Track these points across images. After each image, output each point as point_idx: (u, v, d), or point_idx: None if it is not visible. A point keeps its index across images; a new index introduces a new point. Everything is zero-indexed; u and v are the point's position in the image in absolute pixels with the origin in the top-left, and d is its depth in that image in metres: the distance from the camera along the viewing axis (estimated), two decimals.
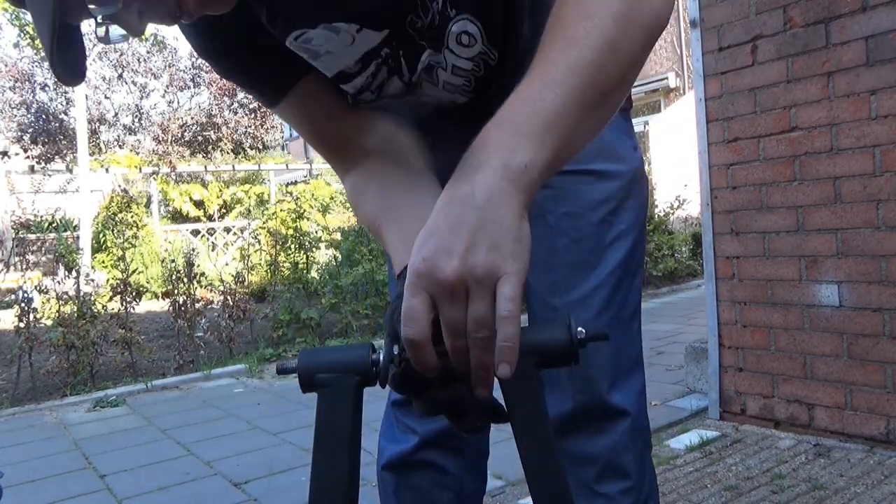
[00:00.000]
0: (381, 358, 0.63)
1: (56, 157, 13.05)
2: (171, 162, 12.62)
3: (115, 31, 0.64)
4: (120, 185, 12.05)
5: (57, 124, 13.19)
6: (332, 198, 10.11)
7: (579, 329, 0.61)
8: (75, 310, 4.30)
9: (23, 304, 4.09)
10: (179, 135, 14.56)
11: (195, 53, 0.83)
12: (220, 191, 13.01)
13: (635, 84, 0.75)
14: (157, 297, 7.12)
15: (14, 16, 9.70)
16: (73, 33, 0.62)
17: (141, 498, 2.51)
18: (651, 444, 1.07)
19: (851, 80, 2.36)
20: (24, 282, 4.51)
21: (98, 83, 14.25)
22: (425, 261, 0.55)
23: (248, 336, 5.30)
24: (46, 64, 13.06)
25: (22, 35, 10.01)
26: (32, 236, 11.78)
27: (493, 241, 0.54)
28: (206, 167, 13.63)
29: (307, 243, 6.67)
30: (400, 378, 0.63)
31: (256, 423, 3.42)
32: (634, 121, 1.12)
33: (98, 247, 9.97)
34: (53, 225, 12.17)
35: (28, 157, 12.98)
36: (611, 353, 0.95)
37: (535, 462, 0.60)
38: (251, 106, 15.29)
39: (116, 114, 14.72)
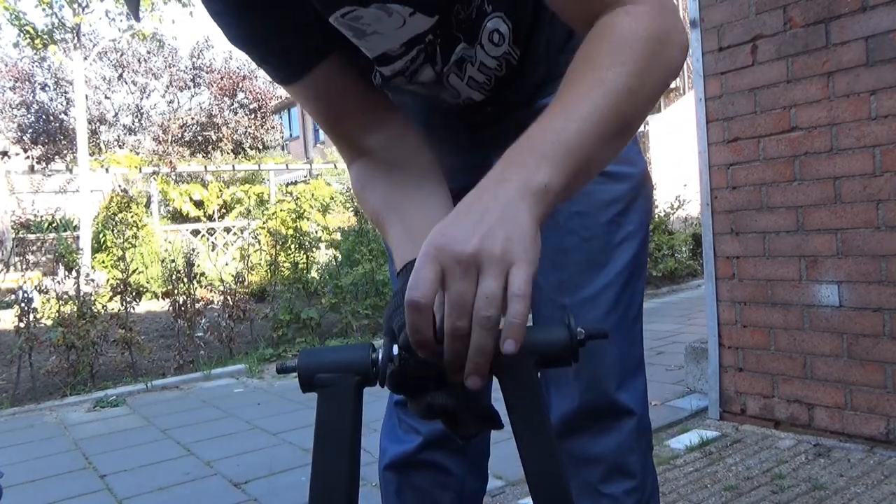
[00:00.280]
0: (380, 357, 0.63)
1: (56, 157, 13.06)
2: (171, 162, 12.63)
3: None
4: (120, 185, 12.04)
5: (57, 124, 13.20)
6: (332, 198, 10.11)
7: (578, 328, 0.62)
8: (75, 310, 4.30)
9: (23, 304, 4.09)
10: (179, 135, 14.58)
11: (209, 16, 0.80)
12: (220, 191, 13.02)
13: None
14: (157, 297, 7.12)
15: (14, 16, 9.67)
16: None
17: (141, 498, 2.51)
18: (652, 444, 1.07)
19: (851, 80, 2.36)
20: (24, 282, 4.51)
21: (98, 83, 14.26)
22: (444, 236, 0.57)
23: (248, 336, 5.30)
24: (47, 64, 13.10)
25: (22, 35, 9.98)
26: (32, 236, 11.79)
27: (510, 234, 0.56)
28: (206, 167, 13.64)
29: (307, 243, 6.67)
30: (397, 377, 0.63)
31: (256, 423, 3.42)
32: None
33: (98, 247, 9.97)
34: (53, 225, 12.18)
35: (28, 157, 12.99)
36: (618, 352, 0.96)
37: (535, 462, 0.60)
38: (251, 106, 15.31)
39: (116, 114, 14.74)
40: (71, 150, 12.36)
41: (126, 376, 4.45)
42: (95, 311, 4.42)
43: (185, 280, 5.01)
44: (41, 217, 12.66)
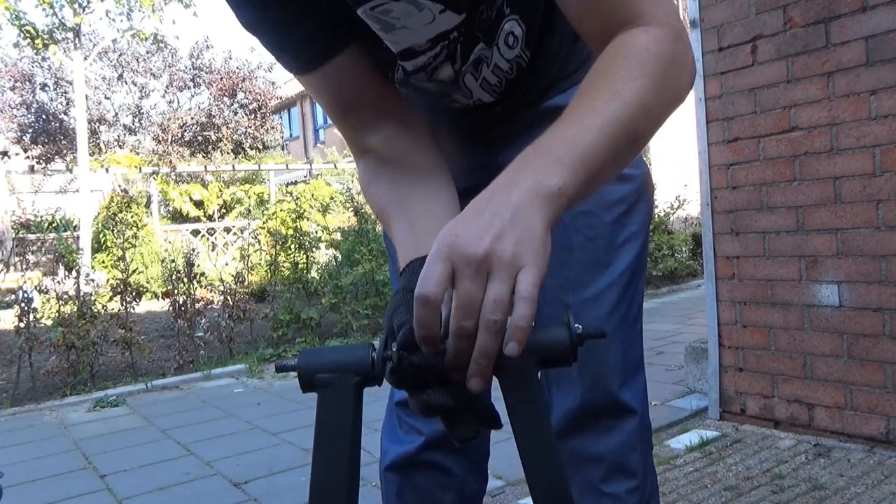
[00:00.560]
0: (377, 354, 0.63)
1: (56, 157, 13.06)
2: (171, 162, 12.62)
3: None
4: (120, 185, 12.05)
5: (57, 124, 13.20)
6: (332, 198, 10.11)
7: (576, 326, 0.62)
8: (75, 310, 4.30)
9: (23, 304, 4.09)
10: (179, 135, 14.58)
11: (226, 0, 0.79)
12: (220, 191, 13.02)
13: None
14: (157, 297, 7.12)
15: (14, 16, 9.67)
16: None
17: (141, 498, 2.51)
18: (652, 443, 1.07)
19: (851, 80, 2.36)
20: (24, 282, 4.51)
21: (98, 83, 14.26)
22: (457, 235, 0.57)
23: (248, 336, 5.30)
24: (47, 64, 13.10)
25: (22, 35, 9.98)
26: (32, 236, 11.79)
27: (521, 237, 0.57)
28: (206, 167, 13.64)
29: (307, 243, 6.67)
30: (396, 374, 0.63)
31: (256, 423, 3.42)
32: None
33: (98, 247, 9.98)
34: (53, 225, 12.18)
35: (28, 157, 12.99)
36: (620, 351, 0.96)
37: (535, 462, 0.60)
38: (251, 106, 15.31)
39: (116, 114, 14.73)
40: (71, 150, 12.36)
41: (126, 376, 4.45)
42: (95, 311, 4.42)
43: (185, 280, 5.01)
44: (41, 217, 12.67)
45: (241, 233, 11.30)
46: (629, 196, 0.97)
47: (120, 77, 14.51)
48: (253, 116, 15.30)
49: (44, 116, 13.28)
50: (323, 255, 7.19)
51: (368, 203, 0.91)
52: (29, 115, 13.32)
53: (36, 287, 4.40)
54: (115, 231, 9.84)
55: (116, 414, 3.77)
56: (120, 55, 14.24)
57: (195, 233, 11.89)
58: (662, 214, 8.24)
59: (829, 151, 2.44)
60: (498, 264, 0.55)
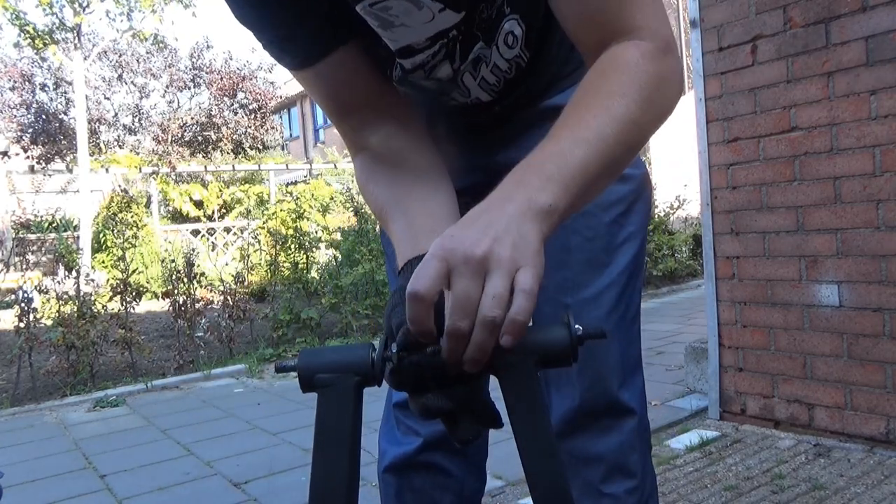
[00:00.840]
0: (376, 354, 0.63)
1: (56, 157, 13.07)
2: (171, 162, 12.62)
3: None
4: (120, 185, 12.04)
5: (57, 124, 13.20)
6: (332, 198, 10.11)
7: (576, 327, 0.62)
8: (75, 310, 4.30)
9: (23, 304, 4.09)
10: (179, 135, 14.58)
11: None
12: (220, 191, 13.01)
13: None
14: (157, 297, 7.12)
15: (14, 16, 9.67)
16: None
17: (141, 498, 2.51)
18: (651, 443, 1.07)
19: (851, 80, 2.36)
20: (24, 282, 4.51)
21: (98, 83, 14.26)
22: (454, 238, 0.58)
23: (248, 336, 5.30)
24: (47, 64, 13.10)
25: (22, 35, 9.98)
26: (32, 236, 11.79)
27: (517, 243, 0.58)
28: (206, 167, 13.63)
29: (307, 243, 6.67)
30: (395, 375, 0.63)
31: (256, 423, 3.42)
32: None
33: (98, 247, 9.98)
34: (53, 225, 12.19)
35: (28, 157, 12.99)
36: (619, 351, 0.97)
37: (535, 462, 0.60)
38: (251, 106, 15.32)
39: (116, 114, 14.74)
40: (71, 150, 12.36)
41: (126, 376, 4.45)
42: (95, 311, 4.42)
43: (185, 280, 5.01)
44: (41, 217, 12.67)
45: (241, 233, 11.30)
46: (627, 196, 0.97)
47: (120, 77, 14.52)
48: (253, 116, 15.31)
49: (44, 116, 13.28)
50: (323, 255, 7.19)
51: (366, 201, 0.91)
52: (29, 115, 13.32)
53: (36, 287, 4.40)
54: (115, 231, 9.84)
55: (116, 414, 3.77)
56: (120, 55, 14.24)
57: (195, 233, 11.89)
58: (662, 214, 8.24)
59: (829, 151, 2.44)
60: (497, 263, 0.56)
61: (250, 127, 15.21)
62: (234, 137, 15.08)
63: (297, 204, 7.28)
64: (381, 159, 0.88)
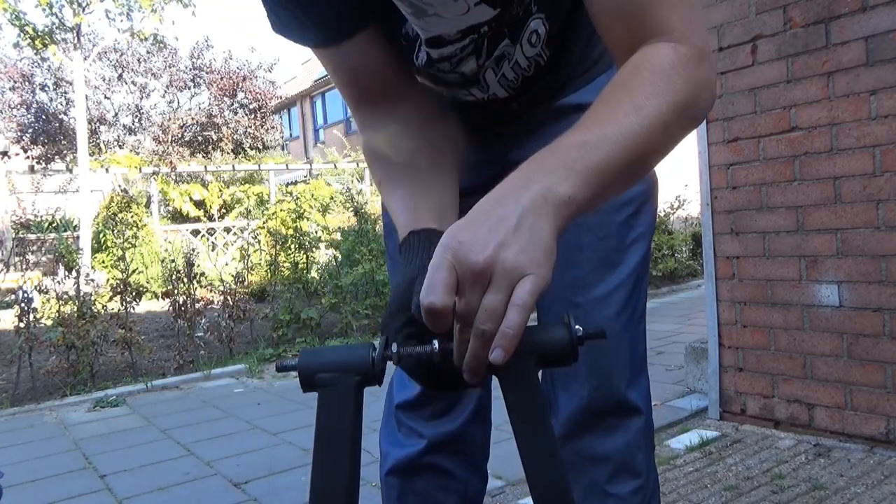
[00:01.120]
0: (376, 354, 0.63)
1: (56, 157, 13.06)
2: (171, 162, 12.62)
3: None
4: (120, 185, 12.04)
5: (57, 124, 13.20)
6: (332, 198, 10.11)
7: (577, 327, 0.62)
8: (75, 310, 4.30)
9: (23, 304, 4.09)
10: (179, 135, 14.58)
11: None
12: (220, 191, 13.01)
13: None
14: (157, 297, 7.12)
15: (14, 16, 9.67)
16: None
17: (141, 498, 2.51)
18: (654, 443, 1.07)
19: (851, 80, 2.36)
20: (24, 282, 4.50)
21: (98, 83, 14.26)
22: (461, 243, 0.57)
23: (248, 336, 5.30)
24: (47, 64, 13.10)
25: (22, 35, 9.98)
26: (32, 236, 11.79)
27: (526, 245, 0.57)
28: (206, 167, 13.63)
29: (307, 243, 6.67)
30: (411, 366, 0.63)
31: (256, 423, 3.42)
32: None
33: (98, 247, 9.97)
34: (53, 225, 12.18)
35: (28, 157, 12.99)
36: (627, 351, 0.97)
37: (534, 462, 0.60)
38: (251, 106, 15.32)
39: (116, 114, 14.74)
40: (71, 150, 12.36)
41: (126, 376, 4.45)
42: (95, 311, 4.42)
43: (185, 280, 5.01)
44: (41, 217, 12.66)
45: (241, 233, 11.29)
46: (638, 197, 0.97)
47: (120, 77, 14.52)
48: (253, 116, 15.31)
49: (44, 116, 13.27)
50: (323, 255, 7.19)
51: (370, 168, 0.91)
52: (29, 116, 13.32)
53: (36, 287, 4.40)
54: (115, 231, 9.84)
55: (116, 414, 3.77)
56: (120, 55, 14.24)
57: (195, 233, 11.89)
58: (662, 214, 8.24)
59: (829, 151, 2.44)
60: (498, 274, 0.56)
61: (250, 127, 15.21)
62: (234, 137, 15.08)
63: (297, 204, 7.29)
64: (389, 141, 0.88)
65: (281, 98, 17.05)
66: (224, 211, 13.02)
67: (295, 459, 2.81)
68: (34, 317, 4.16)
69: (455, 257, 0.56)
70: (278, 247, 6.58)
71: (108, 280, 7.07)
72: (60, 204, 13.13)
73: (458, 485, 1.05)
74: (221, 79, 14.98)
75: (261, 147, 15.74)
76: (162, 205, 12.93)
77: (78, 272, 4.79)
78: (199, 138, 14.97)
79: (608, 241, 0.95)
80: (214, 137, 14.88)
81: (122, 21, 10.84)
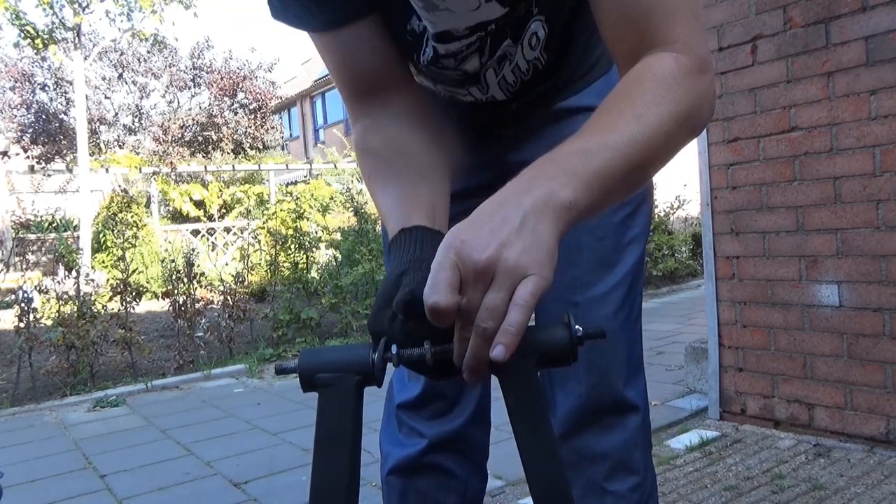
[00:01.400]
0: (376, 354, 0.63)
1: (56, 157, 13.07)
2: (171, 162, 12.62)
3: None
4: (120, 185, 12.05)
5: (57, 124, 13.20)
6: (332, 198, 10.11)
7: (576, 327, 0.62)
8: (75, 310, 4.30)
9: (23, 304, 4.09)
10: (179, 135, 14.58)
11: None
12: (220, 191, 13.01)
13: None
14: (157, 297, 7.12)
15: (14, 16, 9.67)
16: None
17: (141, 498, 2.51)
18: (651, 441, 1.07)
19: (851, 80, 2.36)
20: (24, 282, 4.50)
21: (98, 83, 14.26)
22: (464, 242, 0.57)
23: (248, 336, 5.30)
24: (47, 64, 13.10)
25: (22, 35, 9.98)
26: (32, 236, 11.79)
27: (529, 245, 0.57)
28: (206, 167, 13.63)
29: (307, 243, 6.67)
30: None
31: (256, 423, 3.42)
32: None
33: (98, 247, 9.97)
34: (53, 225, 12.18)
35: (28, 157, 13.00)
36: (625, 350, 0.98)
37: (534, 462, 0.60)
38: (251, 106, 15.32)
39: (116, 114, 14.74)
40: (71, 150, 12.36)
41: (126, 376, 4.45)
42: (95, 311, 4.41)
43: (185, 280, 5.01)
44: (41, 217, 12.66)
45: (241, 233, 11.30)
46: (635, 198, 0.98)
47: (120, 77, 14.52)
48: (253, 116, 15.31)
49: (44, 116, 13.28)
50: (323, 255, 7.19)
51: (360, 167, 0.91)
52: (29, 115, 13.32)
53: (36, 287, 4.40)
54: (115, 231, 9.84)
55: (116, 414, 3.77)
56: (120, 55, 14.24)
57: (195, 233, 11.89)
58: (662, 214, 8.23)
59: (829, 151, 2.44)
60: (500, 272, 0.56)
61: (250, 127, 15.21)
62: (234, 137, 15.08)
63: (297, 204, 7.28)
64: (381, 135, 0.88)
65: (281, 98, 17.04)
66: (224, 211, 13.03)
67: (295, 459, 2.81)
68: (34, 317, 4.16)
69: (458, 256, 0.57)
70: (278, 247, 6.58)
71: (108, 280, 7.07)
72: (60, 204, 13.13)
73: (458, 484, 1.05)
74: (221, 79, 14.98)
75: (261, 147, 15.75)
76: (162, 205, 12.94)
77: (78, 272, 4.78)
78: (199, 138, 14.97)
79: (606, 242, 0.96)
80: (214, 137, 14.88)
81: (122, 21, 10.83)
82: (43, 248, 11.41)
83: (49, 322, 4.28)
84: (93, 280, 5.49)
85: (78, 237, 10.19)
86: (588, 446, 0.97)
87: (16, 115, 13.32)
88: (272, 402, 3.85)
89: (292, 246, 6.60)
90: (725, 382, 2.82)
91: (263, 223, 7.61)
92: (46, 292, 4.38)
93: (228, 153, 14.97)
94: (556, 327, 0.63)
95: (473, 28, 0.82)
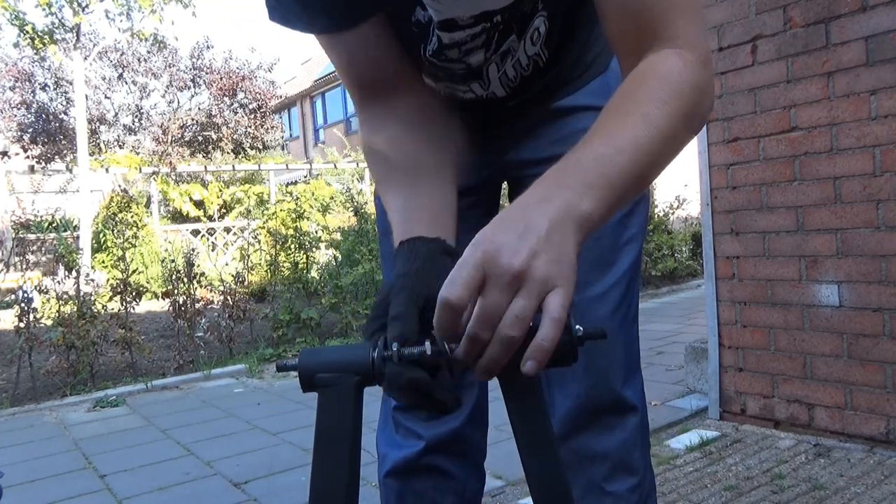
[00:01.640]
0: (376, 354, 0.63)
1: (56, 157, 13.06)
2: (171, 162, 12.62)
3: None
4: (120, 185, 12.05)
5: (57, 124, 13.20)
6: (332, 198, 10.10)
7: (577, 327, 0.62)
8: (75, 310, 4.30)
9: (23, 304, 4.09)
10: (179, 135, 14.57)
11: None
12: (220, 191, 13.01)
13: None
14: (157, 297, 7.12)
15: (14, 16, 9.67)
16: None
17: (141, 498, 2.51)
18: (650, 441, 1.07)
19: (851, 80, 2.36)
20: (24, 282, 4.51)
21: (98, 83, 14.26)
22: (495, 244, 0.57)
23: (248, 336, 5.30)
24: (47, 64, 13.10)
25: (22, 35, 9.98)
26: (32, 236, 11.77)
27: (556, 257, 0.57)
28: (206, 167, 13.63)
29: (307, 243, 6.67)
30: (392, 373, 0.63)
31: (256, 423, 3.42)
32: None
33: (98, 247, 9.97)
34: (53, 225, 12.16)
35: (28, 157, 12.99)
36: (623, 350, 0.98)
37: (535, 462, 0.60)
38: (251, 106, 15.31)
39: (116, 114, 14.73)
40: (71, 150, 12.36)
41: (126, 376, 4.45)
42: (95, 311, 4.41)
43: (185, 280, 5.01)
44: (41, 217, 12.65)
45: (241, 233, 11.30)
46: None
47: (120, 77, 14.51)
48: (253, 116, 15.30)
49: (44, 116, 13.27)
50: (323, 255, 7.19)
51: (368, 165, 0.91)
52: (29, 115, 13.31)
53: (36, 287, 4.40)
54: (115, 231, 9.84)
55: (116, 414, 3.77)
56: (120, 55, 14.23)
57: (195, 233, 11.89)
58: (662, 214, 8.23)
59: (829, 151, 2.44)
60: (531, 281, 0.55)
61: (250, 127, 15.20)
62: (234, 137, 15.07)
63: (297, 204, 7.28)
64: (389, 137, 0.87)
65: (281, 98, 17.04)
66: (224, 211, 13.03)
67: (295, 459, 2.81)
68: (34, 317, 4.16)
69: (487, 256, 0.56)
70: (278, 247, 6.58)
71: (108, 280, 7.07)
72: (60, 204, 13.12)
73: (456, 485, 1.05)
74: (221, 79, 14.97)
75: (261, 147, 15.74)
76: (162, 205, 12.93)
77: (78, 272, 4.78)
78: (199, 138, 14.97)
79: (603, 241, 0.96)
80: (214, 137, 14.87)
81: (121, 21, 10.83)
82: (43, 248, 11.40)
83: (49, 322, 4.28)
84: (93, 280, 5.48)
85: (78, 237, 10.19)
86: (587, 447, 0.97)
87: (16, 115, 13.32)
88: (272, 402, 3.85)
89: (292, 246, 6.59)
90: (725, 382, 2.82)
91: (263, 223, 7.61)
92: (46, 292, 4.38)
93: (228, 153, 14.96)
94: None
95: (478, 17, 0.82)
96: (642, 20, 0.72)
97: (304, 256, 6.57)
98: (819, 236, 2.49)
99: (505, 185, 1.05)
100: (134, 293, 4.81)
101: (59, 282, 4.45)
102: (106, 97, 14.53)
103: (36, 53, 11.65)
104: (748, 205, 2.68)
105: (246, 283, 6.21)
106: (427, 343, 0.61)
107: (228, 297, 5.08)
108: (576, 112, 0.95)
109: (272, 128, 16.06)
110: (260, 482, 2.59)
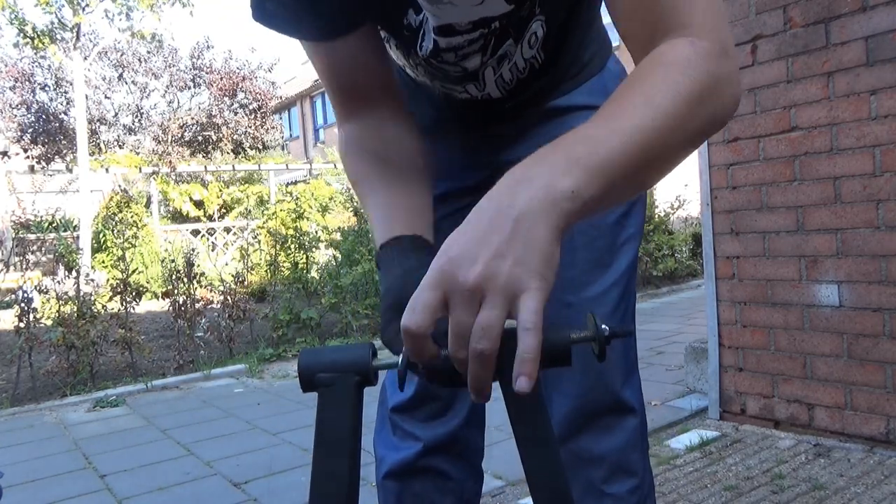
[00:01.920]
0: (400, 365, 0.63)
1: (56, 157, 13.06)
2: (171, 162, 12.62)
3: None
4: (120, 185, 12.05)
5: (57, 124, 13.20)
6: (331, 198, 10.11)
7: (604, 327, 0.61)
8: (75, 310, 4.30)
9: (23, 304, 4.09)
10: (179, 135, 14.57)
11: None
12: (220, 191, 13.02)
13: None
14: (157, 297, 7.12)
15: (14, 16, 9.68)
16: None
17: (141, 498, 2.51)
18: (648, 442, 1.07)
19: (851, 80, 2.36)
20: (24, 282, 4.51)
21: (98, 83, 14.26)
22: (450, 260, 0.53)
23: (248, 336, 5.30)
24: (47, 64, 13.10)
25: (22, 35, 9.98)
26: (32, 236, 11.77)
27: (521, 255, 0.52)
28: (206, 167, 13.63)
29: (307, 243, 6.67)
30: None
31: (256, 423, 3.42)
32: None
33: (98, 247, 9.98)
34: (53, 225, 12.16)
35: (28, 157, 12.99)
36: (621, 351, 0.97)
37: (535, 462, 0.60)
38: (251, 106, 15.31)
39: (116, 114, 14.73)
40: (71, 150, 12.37)
41: (126, 376, 4.45)
42: (95, 311, 4.42)
43: (185, 280, 5.01)
44: (41, 217, 12.66)
45: (241, 233, 11.31)
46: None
47: (120, 77, 14.51)
48: (253, 116, 15.30)
49: (44, 116, 13.27)
50: (323, 255, 7.19)
51: (345, 169, 0.91)
52: (29, 115, 13.31)
53: (36, 287, 4.40)
54: (115, 231, 9.84)
55: (116, 414, 3.77)
56: (120, 55, 14.23)
57: (195, 233, 11.90)
58: (662, 214, 8.23)
59: (829, 151, 2.44)
60: (491, 291, 0.52)
61: (250, 127, 15.20)
62: (234, 137, 15.07)
63: (296, 204, 7.29)
64: (368, 137, 0.88)
65: (281, 98, 17.04)
66: (224, 211, 13.03)
67: (295, 459, 2.81)
68: (34, 317, 4.16)
69: (444, 275, 0.53)
70: (278, 247, 6.58)
71: (108, 280, 7.08)
72: (60, 204, 13.13)
73: (454, 486, 1.05)
74: (221, 79, 14.97)
75: (261, 147, 15.74)
76: (162, 205, 12.94)
77: (78, 272, 4.78)
78: (199, 138, 14.96)
79: (600, 242, 0.96)
80: (214, 137, 14.87)
81: (121, 21, 10.83)
82: (43, 248, 11.39)
83: (49, 322, 4.28)
84: (93, 280, 5.49)
85: (78, 237, 10.19)
86: (586, 448, 0.96)
87: (16, 115, 13.32)
88: (272, 402, 3.85)
89: (292, 246, 6.60)
90: (725, 382, 2.82)
91: (263, 223, 7.62)
92: (46, 292, 4.38)
93: (228, 153, 14.96)
94: (554, 328, 0.63)
95: (476, 23, 0.82)
96: (653, 8, 0.68)
97: (304, 256, 6.57)
98: (819, 236, 2.49)
99: None
100: (134, 293, 4.81)
101: (59, 282, 4.46)
102: (106, 97, 14.54)
103: (36, 53, 11.65)
104: (748, 205, 2.68)
105: (246, 283, 6.20)
106: (444, 351, 0.59)
107: (228, 297, 5.08)
108: (572, 111, 0.95)
109: (272, 128, 16.06)
110: (260, 482, 2.59)
